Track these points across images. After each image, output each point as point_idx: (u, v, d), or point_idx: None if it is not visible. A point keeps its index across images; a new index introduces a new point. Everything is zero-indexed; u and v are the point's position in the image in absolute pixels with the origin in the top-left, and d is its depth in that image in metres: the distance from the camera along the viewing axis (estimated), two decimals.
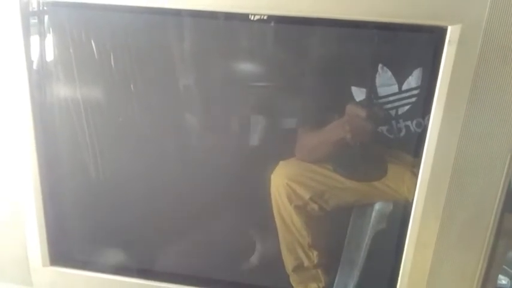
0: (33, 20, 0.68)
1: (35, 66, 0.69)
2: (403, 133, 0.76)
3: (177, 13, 0.67)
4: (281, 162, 0.82)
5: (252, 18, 0.69)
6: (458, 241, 0.56)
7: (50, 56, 0.74)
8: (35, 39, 0.69)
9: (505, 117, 0.51)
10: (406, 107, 0.75)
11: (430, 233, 0.56)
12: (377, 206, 0.78)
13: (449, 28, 0.49)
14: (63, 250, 0.77)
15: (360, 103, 0.76)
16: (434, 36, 0.51)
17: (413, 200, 0.57)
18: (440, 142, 0.53)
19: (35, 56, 0.69)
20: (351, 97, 0.77)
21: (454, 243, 0.56)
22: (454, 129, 0.52)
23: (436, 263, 0.56)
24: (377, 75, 0.76)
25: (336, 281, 0.83)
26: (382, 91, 0.77)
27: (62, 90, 0.77)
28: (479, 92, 0.51)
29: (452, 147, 0.53)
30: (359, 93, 0.78)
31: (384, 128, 0.78)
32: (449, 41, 0.49)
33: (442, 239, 0.55)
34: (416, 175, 0.58)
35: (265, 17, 0.68)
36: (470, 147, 0.52)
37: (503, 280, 0.89)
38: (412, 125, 0.75)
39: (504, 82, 0.50)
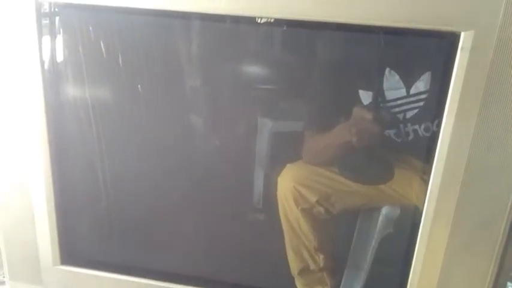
0: (45, 21, 0.69)
1: (46, 66, 0.69)
2: (411, 137, 0.76)
3: (185, 16, 0.67)
4: (288, 165, 0.82)
5: (259, 21, 0.69)
6: (468, 247, 0.55)
7: (60, 56, 0.74)
8: (46, 40, 0.70)
9: None
10: (414, 111, 0.75)
11: (440, 238, 0.55)
12: (384, 211, 0.78)
13: (463, 34, 0.49)
14: (74, 249, 0.77)
15: (367, 106, 0.76)
16: (447, 42, 0.51)
17: (423, 205, 0.56)
18: (451, 148, 0.53)
19: (46, 56, 0.69)
20: (359, 100, 0.77)
21: (464, 249, 0.55)
22: (466, 136, 0.52)
23: (446, 269, 0.56)
24: (384, 79, 0.76)
25: (341, 285, 0.83)
26: (389, 95, 0.77)
27: (72, 90, 0.78)
28: (492, 99, 0.51)
29: (463, 153, 0.52)
30: (366, 97, 0.78)
31: (391, 132, 0.78)
32: (462, 47, 0.49)
33: (452, 245, 0.55)
34: (425, 180, 0.57)
35: (272, 20, 0.68)
36: (481, 154, 0.52)
37: (510, 286, 0.89)
38: (421, 129, 0.75)
39: None
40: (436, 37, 0.55)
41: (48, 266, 0.75)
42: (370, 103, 0.77)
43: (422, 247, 0.57)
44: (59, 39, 0.73)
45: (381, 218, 0.78)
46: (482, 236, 0.55)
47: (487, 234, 0.55)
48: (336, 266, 0.85)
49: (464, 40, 0.49)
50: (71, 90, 0.78)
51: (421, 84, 0.73)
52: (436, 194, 0.54)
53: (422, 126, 0.75)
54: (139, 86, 0.83)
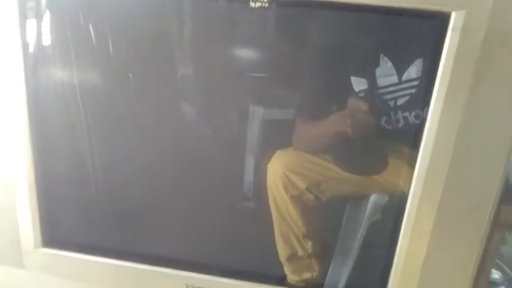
0: (30, 3, 0.67)
1: (31, 50, 0.67)
2: (401, 124, 0.76)
3: None
4: (278, 152, 0.82)
5: (253, 5, 0.68)
6: (453, 232, 0.55)
7: (46, 40, 0.73)
8: (31, 23, 0.68)
9: (506, 107, 0.50)
10: (406, 98, 0.75)
11: (426, 223, 0.55)
12: (372, 198, 0.77)
13: (453, 14, 0.48)
14: (56, 232, 0.76)
15: (362, 97, 0.75)
16: (437, 23, 0.50)
17: (409, 190, 0.56)
18: (439, 132, 0.52)
19: (31, 39, 0.67)
20: (350, 87, 0.76)
21: (449, 234, 0.55)
22: (455, 119, 0.51)
23: (431, 253, 0.56)
24: (377, 65, 0.75)
25: (329, 271, 0.83)
26: (381, 81, 0.76)
27: (57, 74, 0.76)
28: (482, 82, 0.50)
29: (451, 137, 0.52)
30: (359, 84, 0.77)
31: (382, 119, 0.77)
32: (453, 27, 0.48)
33: (437, 229, 0.55)
34: (413, 167, 0.57)
35: (266, 5, 0.67)
36: (469, 138, 0.52)
37: (495, 274, 0.90)
38: (411, 116, 0.75)
39: (508, 71, 0.49)
40: (426, 18, 0.54)
41: (30, 249, 0.74)
42: (363, 91, 0.76)
43: (407, 231, 0.57)
44: (46, 21, 0.71)
45: (369, 205, 0.78)
46: (468, 222, 0.55)
47: (473, 219, 0.55)
48: (324, 253, 0.85)
49: (455, 20, 0.48)
50: (56, 75, 0.76)
51: (413, 70, 0.73)
52: (423, 178, 0.54)
53: (413, 113, 0.74)
54: (128, 71, 0.82)
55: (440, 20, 0.50)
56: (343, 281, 0.80)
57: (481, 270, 0.57)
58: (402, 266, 0.58)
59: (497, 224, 0.57)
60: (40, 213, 0.72)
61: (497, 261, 0.87)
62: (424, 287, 0.58)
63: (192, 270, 0.75)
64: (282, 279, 0.84)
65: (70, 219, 0.81)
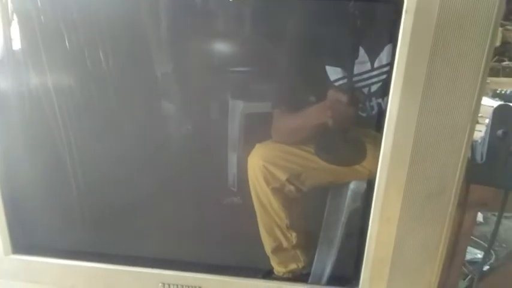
0: None
1: None
2: (375, 111, 0.76)
3: None
4: (257, 145, 0.82)
5: None
6: (421, 214, 0.55)
7: (15, 42, 0.72)
8: None
9: (463, 88, 0.50)
10: (378, 85, 0.75)
11: (394, 207, 0.55)
12: (352, 186, 0.78)
13: None
14: (26, 238, 0.76)
15: (341, 87, 0.75)
16: (392, 7, 0.50)
17: (376, 174, 0.56)
18: (400, 114, 0.52)
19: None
20: (326, 77, 0.76)
21: (417, 216, 0.55)
22: (414, 102, 0.51)
23: (400, 236, 0.56)
24: (350, 53, 0.75)
25: (315, 260, 0.83)
26: (356, 69, 0.76)
27: (24, 74, 0.75)
28: (438, 63, 0.50)
29: (412, 119, 0.52)
30: (334, 73, 0.77)
31: (358, 107, 0.77)
32: (406, 10, 0.48)
33: (405, 212, 0.55)
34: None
35: None
36: (430, 119, 0.52)
37: (478, 254, 0.90)
38: (384, 102, 0.75)
39: (462, 52, 0.49)
40: (384, 2, 0.54)
41: (0, 256, 0.74)
42: (338, 79, 0.76)
43: (376, 216, 0.57)
44: (12, 24, 0.71)
45: (349, 193, 0.78)
46: (434, 202, 0.55)
47: (439, 199, 0.55)
48: (309, 243, 0.85)
49: (408, 3, 0.48)
50: (23, 75, 0.76)
51: (384, 56, 0.72)
52: (388, 161, 0.54)
53: (385, 99, 0.74)
54: (105, 68, 0.81)
55: (395, 3, 0.50)
56: (328, 269, 0.81)
57: (456, 251, 0.57)
58: (373, 251, 0.58)
59: (468, 204, 0.57)
60: (8, 219, 0.71)
61: (481, 242, 0.87)
62: (396, 271, 0.58)
63: (176, 268, 0.75)
64: (268, 272, 0.84)
65: (40, 224, 0.80)
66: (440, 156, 0.53)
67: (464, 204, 0.55)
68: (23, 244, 0.75)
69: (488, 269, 0.85)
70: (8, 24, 0.69)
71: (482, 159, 0.63)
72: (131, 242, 0.80)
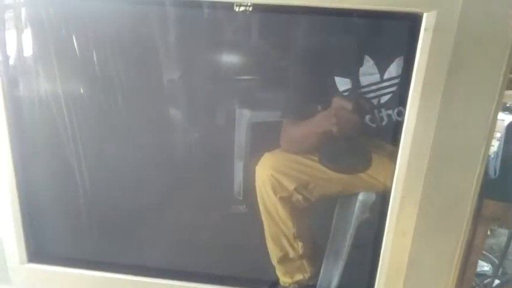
0: (9, 14, 0.67)
1: (11, 62, 0.67)
2: (384, 122, 0.76)
3: (159, 2, 0.66)
4: (266, 154, 0.82)
5: (236, 9, 0.69)
6: (436, 228, 0.56)
7: (28, 50, 0.72)
8: (11, 34, 0.67)
9: (480, 104, 0.51)
10: (388, 96, 0.75)
11: (409, 220, 0.56)
12: (360, 197, 0.78)
13: (425, 15, 0.49)
14: (41, 247, 0.76)
15: (346, 95, 0.76)
16: (411, 24, 0.51)
17: (391, 188, 0.57)
18: (417, 129, 0.53)
19: (11, 51, 0.67)
20: (335, 87, 0.77)
21: (432, 229, 0.56)
22: (431, 116, 0.52)
23: (415, 249, 0.57)
24: (359, 65, 0.76)
25: (321, 271, 0.83)
26: (364, 80, 0.77)
27: (39, 83, 0.75)
28: (455, 79, 0.51)
29: (429, 134, 0.53)
30: (342, 83, 0.78)
31: (367, 118, 0.78)
32: (425, 28, 0.49)
33: (420, 226, 0.56)
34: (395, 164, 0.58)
35: (250, 9, 0.67)
36: (447, 134, 0.53)
37: (485, 267, 0.90)
38: (394, 114, 0.75)
39: (479, 69, 0.50)
40: (401, 19, 0.55)
41: (15, 265, 0.74)
42: (347, 90, 0.77)
43: (391, 229, 0.57)
44: (26, 32, 0.71)
45: (358, 204, 0.78)
46: (450, 216, 0.55)
47: (455, 213, 0.55)
48: (316, 253, 0.85)
49: (427, 21, 0.49)
50: (38, 83, 0.75)
51: (394, 69, 0.74)
52: (404, 175, 0.55)
53: (396, 111, 0.75)
54: (114, 76, 0.81)
55: (414, 21, 0.51)
56: (334, 281, 0.81)
57: (468, 264, 0.58)
58: (388, 263, 0.58)
59: (481, 218, 0.58)
60: (24, 228, 0.71)
61: (488, 254, 0.88)
62: (410, 283, 0.58)
63: (183, 278, 0.74)
64: (274, 283, 0.84)
65: (55, 234, 0.80)
66: (456, 170, 0.53)
67: (477, 218, 0.56)
68: (39, 253, 0.75)
69: (498, 284, 0.85)
70: (21, 32, 0.68)
71: (495, 174, 0.64)
72: (148, 253, 0.80)
